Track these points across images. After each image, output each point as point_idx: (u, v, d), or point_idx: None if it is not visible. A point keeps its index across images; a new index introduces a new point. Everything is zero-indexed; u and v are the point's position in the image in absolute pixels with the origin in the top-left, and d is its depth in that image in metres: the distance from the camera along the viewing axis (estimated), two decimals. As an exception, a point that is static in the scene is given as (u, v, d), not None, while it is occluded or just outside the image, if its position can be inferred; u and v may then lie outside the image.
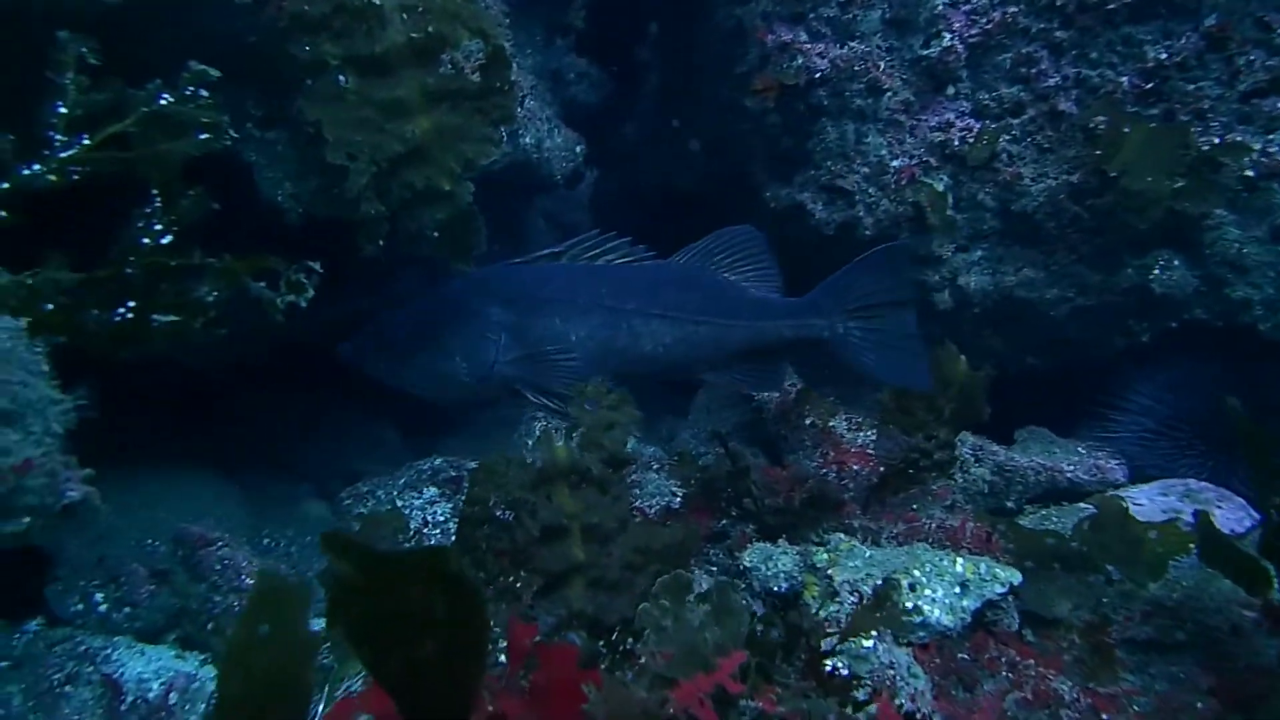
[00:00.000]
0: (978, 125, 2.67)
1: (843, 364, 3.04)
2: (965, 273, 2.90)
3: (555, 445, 1.58)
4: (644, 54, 4.58)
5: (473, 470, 1.51)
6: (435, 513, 2.85)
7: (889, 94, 2.66)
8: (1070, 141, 2.62)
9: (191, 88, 1.67)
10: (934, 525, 2.33)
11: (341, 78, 1.94)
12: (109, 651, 2.30)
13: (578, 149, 4.25)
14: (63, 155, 1.58)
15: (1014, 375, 3.31)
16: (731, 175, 3.57)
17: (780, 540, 2.32)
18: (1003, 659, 1.88)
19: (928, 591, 2.04)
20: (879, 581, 2.07)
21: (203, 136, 1.69)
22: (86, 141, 1.60)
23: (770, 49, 2.67)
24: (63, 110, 1.57)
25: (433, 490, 2.98)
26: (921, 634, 2.01)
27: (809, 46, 2.62)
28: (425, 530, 2.75)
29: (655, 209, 4.69)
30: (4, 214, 1.54)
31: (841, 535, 2.30)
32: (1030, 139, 2.66)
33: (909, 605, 2.00)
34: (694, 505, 2.68)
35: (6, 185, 1.54)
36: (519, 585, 1.41)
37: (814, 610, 2.10)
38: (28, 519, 1.27)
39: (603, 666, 1.56)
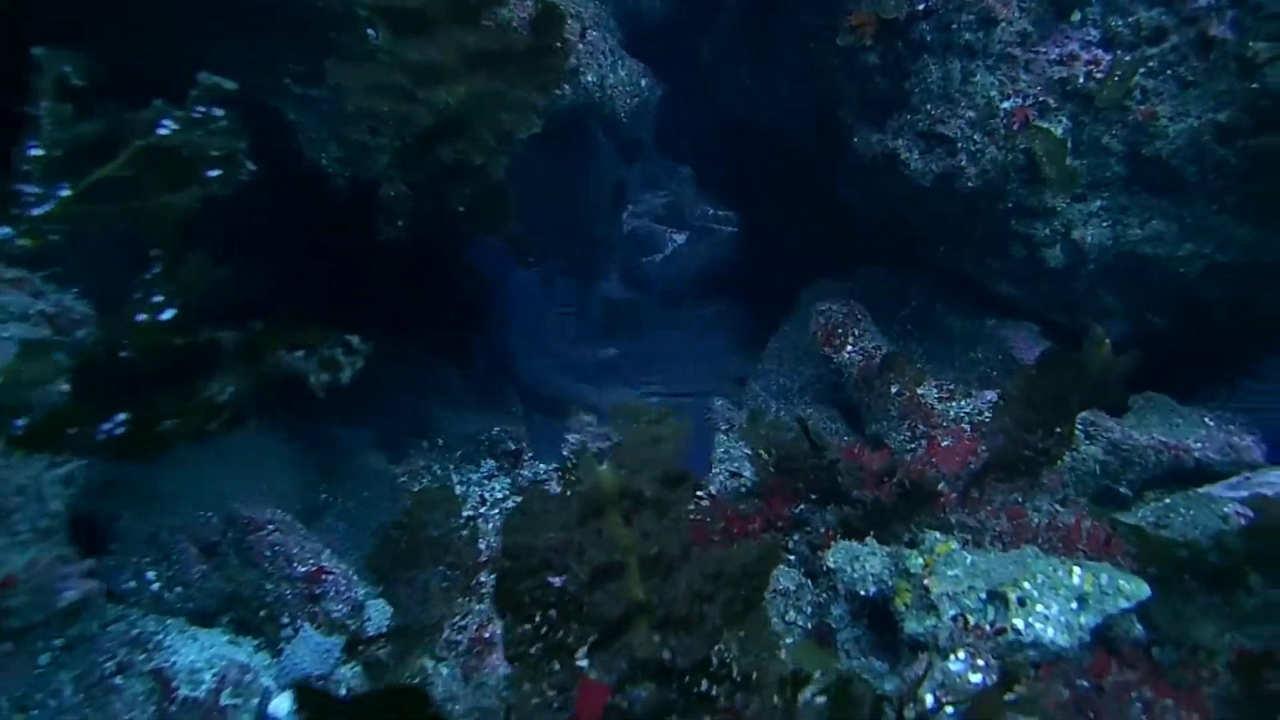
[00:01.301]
0: (1108, 57, 2.29)
1: None
2: (1081, 225, 2.55)
3: (599, 470, 1.36)
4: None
5: (507, 517, 1.30)
6: (493, 489, 2.71)
7: (1003, 24, 2.29)
8: (1221, 73, 2.23)
9: (202, 107, 1.29)
10: (1044, 523, 2.07)
11: (372, 32, 1.70)
12: (161, 637, 2.23)
13: (643, 82, 3.95)
14: (36, 213, 1.24)
15: (1129, 334, 2.97)
16: (814, 109, 3.23)
17: (868, 538, 2.10)
18: (1132, 694, 1.63)
19: (1039, 607, 1.80)
20: (983, 595, 1.84)
21: (213, 174, 1.31)
22: (66, 193, 1.25)
23: (866, -24, 2.32)
24: (37, 152, 1.23)
25: (490, 463, 2.84)
26: (1032, 654, 1.78)
27: (912, -28, 2.26)
28: (483, 510, 2.62)
29: (726, 136, 4.35)
30: None
31: (937, 534, 2.06)
32: (1171, 71, 2.27)
33: (1018, 624, 1.77)
34: (769, 487, 2.46)
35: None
36: (571, 639, 1.22)
37: (906, 621, 1.89)
38: (10, 644, 1.09)
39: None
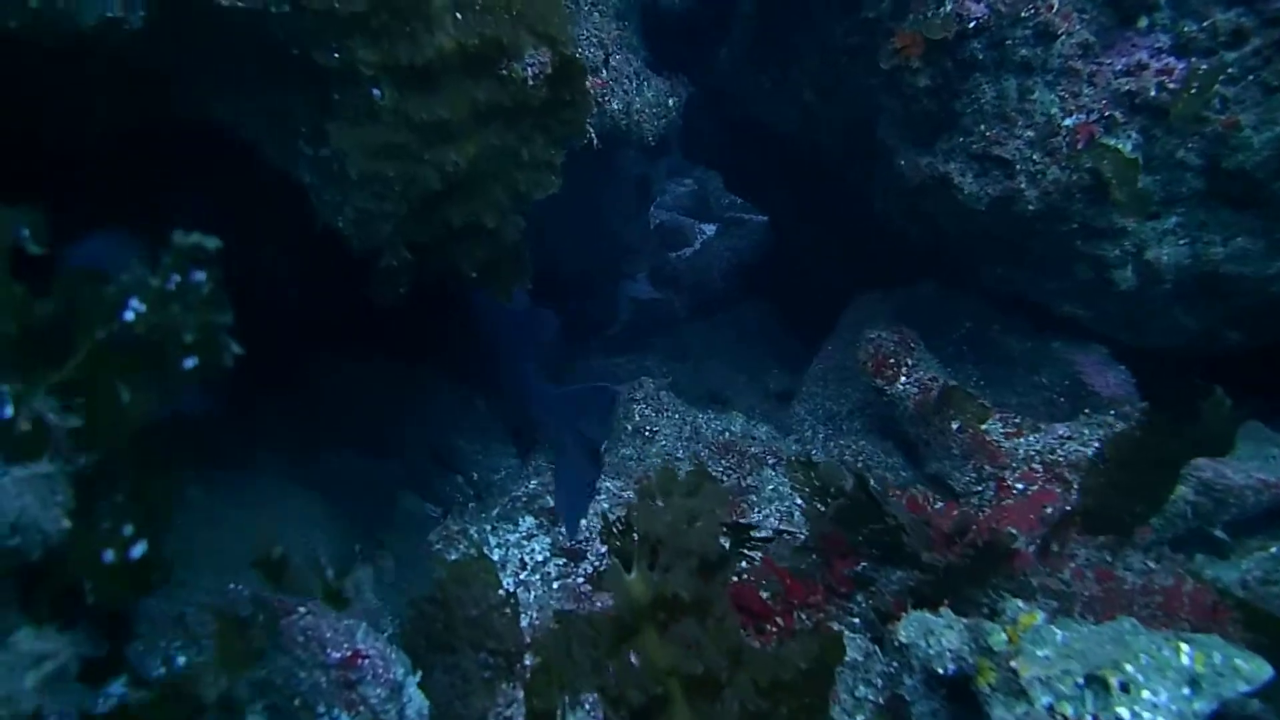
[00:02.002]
0: (1181, 65, 2.09)
1: None
2: (1155, 245, 2.35)
3: (628, 581, 1.21)
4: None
5: (531, 668, 1.15)
6: (533, 550, 2.57)
7: (1063, 37, 2.10)
8: (1310, 77, 2.02)
9: (178, 275, 0.99)
10: (1138, 585, 1.88)
11: (376, 92, 1.57)
12: (194, 732, 2.12)
13: (670, 102, 3.79)
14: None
15: (1205, 352, 2.75)
16: (845, 121, 3.07)
17: (942, 608, 1.92)
18: (1261, 800, 1.44)
19: (1146, 694, 1.60)
20: (1080, 679, 1.65)
21: (190, 364, 1.01)
22: (9, 413, 0.94)
23: (909, -8, 2.14)
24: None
25: (529, 520, 2.70)
26: (1139, 748, 1.59)
27: (960, -13, 2.08)
28: (523, 575, 2.48)
29: (749, 144, 4.18)
30: None
31: (1020, 603, 1.87)
32: (1253, 76, 2.06)
33: (1123, 714, 1.59)
34: (827, 542, 2.29)
35: None
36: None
37: (993, 707, 1.71)
38: None
39: None
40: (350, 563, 3.15)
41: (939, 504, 2.25)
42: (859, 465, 3.39)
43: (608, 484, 3.02)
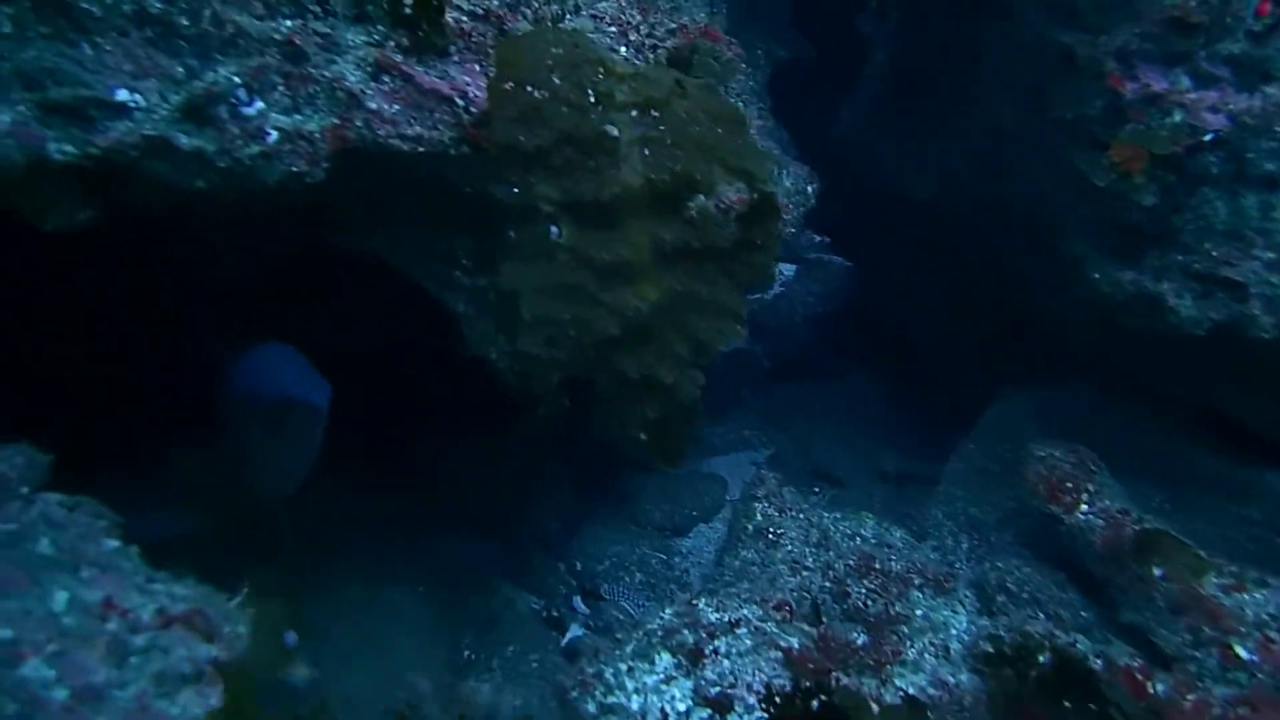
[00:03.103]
0: None
1: None
2: None
3: None
4: (865, 26, 3.82)
5: None
6: (673, 697, 2.32)
7: (1320, 147, 1.82)
8: None
9: None
10: None
11: (554, 229, 1.42)
12: None
13: (809, 189, 3.60)
14: None
15: None
16: (1002, 204, 2.83)
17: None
18: None
19: None
20: None
21: None
22: None
23: (1130, 100, 1.89)
24: None
25: (666, 659, 2.45)
26: None
27: (1195, 98, 1.82)
28: (667, 730, 2.23)
29: (866, 205, 3.93)
30: None
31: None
32: None
33: None
34: (1022, 717, 2.00)
35: None
36: None
37: None
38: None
39: None
40: (459, 663, 3.00)
41: (1160, 683, 1.91)
42: (1025, 596, 3.05)
43: (745, 611, 2.75)
